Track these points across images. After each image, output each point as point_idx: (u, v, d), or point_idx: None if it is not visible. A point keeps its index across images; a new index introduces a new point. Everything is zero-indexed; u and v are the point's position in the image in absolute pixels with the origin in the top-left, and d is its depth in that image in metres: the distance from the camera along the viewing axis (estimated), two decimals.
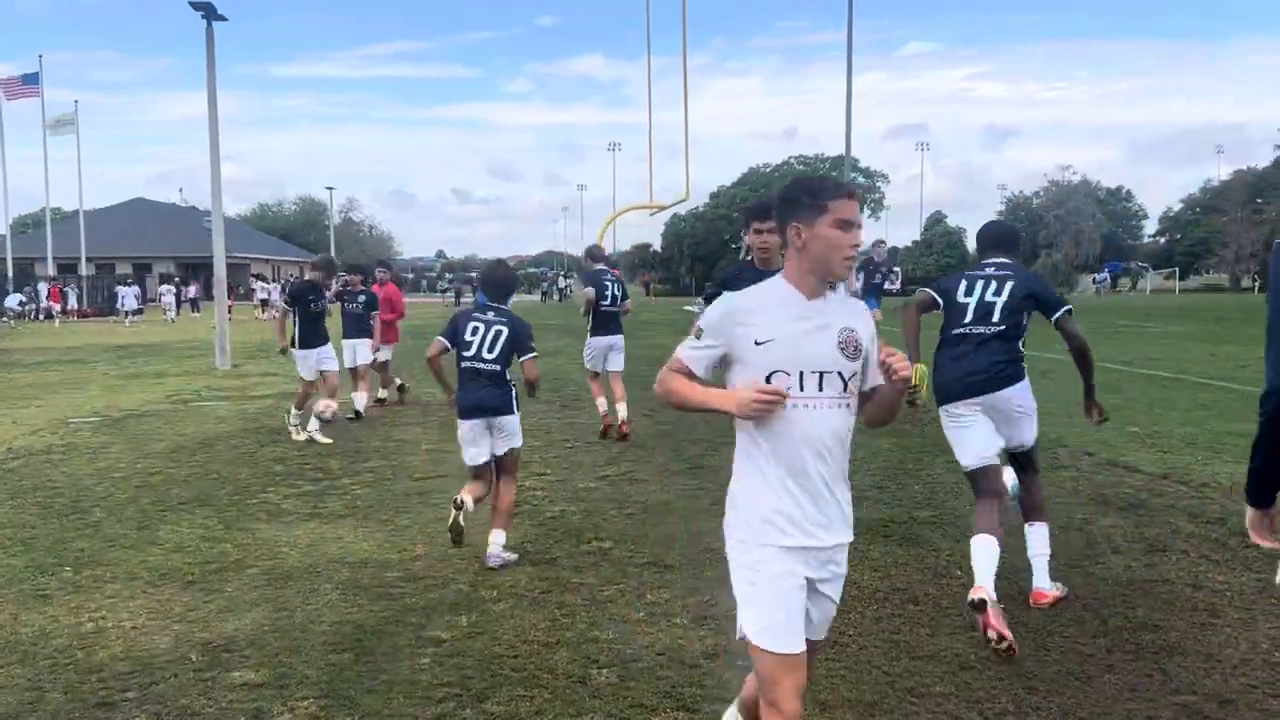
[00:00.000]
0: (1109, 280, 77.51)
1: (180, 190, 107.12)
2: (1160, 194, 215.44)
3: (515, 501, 6.61)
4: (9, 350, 25.89)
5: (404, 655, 4.79)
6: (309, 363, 11.12)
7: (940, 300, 5.26)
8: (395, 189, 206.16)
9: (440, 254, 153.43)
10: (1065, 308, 5.12)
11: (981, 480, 5.08)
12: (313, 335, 11.08)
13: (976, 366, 5.07)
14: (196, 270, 59.59)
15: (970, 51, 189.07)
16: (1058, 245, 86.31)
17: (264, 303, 47.00)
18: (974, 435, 5.10)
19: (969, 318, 5.13)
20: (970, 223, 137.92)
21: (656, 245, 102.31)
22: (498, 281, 6.61)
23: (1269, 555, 5.74)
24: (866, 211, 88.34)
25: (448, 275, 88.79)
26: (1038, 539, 5.25)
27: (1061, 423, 10.94)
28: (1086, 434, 10.27)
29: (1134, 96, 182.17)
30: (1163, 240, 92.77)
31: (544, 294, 72.52)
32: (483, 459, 6.42)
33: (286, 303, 11.54)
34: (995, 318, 5.08)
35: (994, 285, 5.15)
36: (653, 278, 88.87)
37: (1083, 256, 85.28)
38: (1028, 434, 5.20)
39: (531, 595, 5.63)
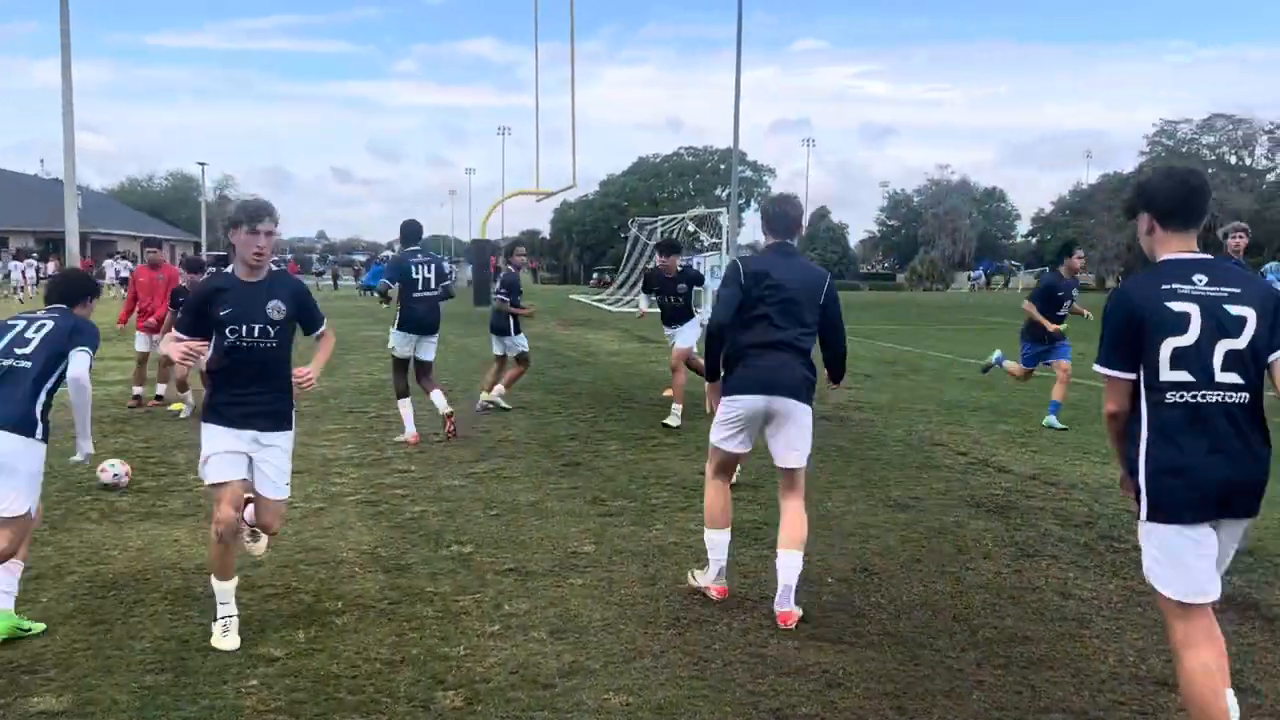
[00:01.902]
0: (983, 277, 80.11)
1: (41, 161, 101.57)
2: (1031, 195, 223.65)
3: None
4: None
5: (230, 676, 4.36)
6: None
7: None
8: (272, 166, 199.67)
9: (321, 234, 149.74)
10: None
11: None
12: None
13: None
14: (56, 246, 56.60)
15: (857, 51, 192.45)
16: (936, 242, 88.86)
17: (122, 280, 44.82)
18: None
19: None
20: (853, 219, 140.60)
21: (545, 232, 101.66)
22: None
23: (1136, 562, 5.74)
24: (754, 205, 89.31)
25: (329, 258, 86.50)
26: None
27: (936, 423, 11.00)
28: (962, 434, 10.33)
29: (1008, 100, 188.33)
30: (1034, 240, 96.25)
31: None
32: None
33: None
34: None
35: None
36: (538, 264, 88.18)
37: (959, 254, 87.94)
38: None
39: (380, 606, 5.23)
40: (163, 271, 12.01)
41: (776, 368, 5.14)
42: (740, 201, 68.21)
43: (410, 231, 10.13)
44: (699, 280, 12.07)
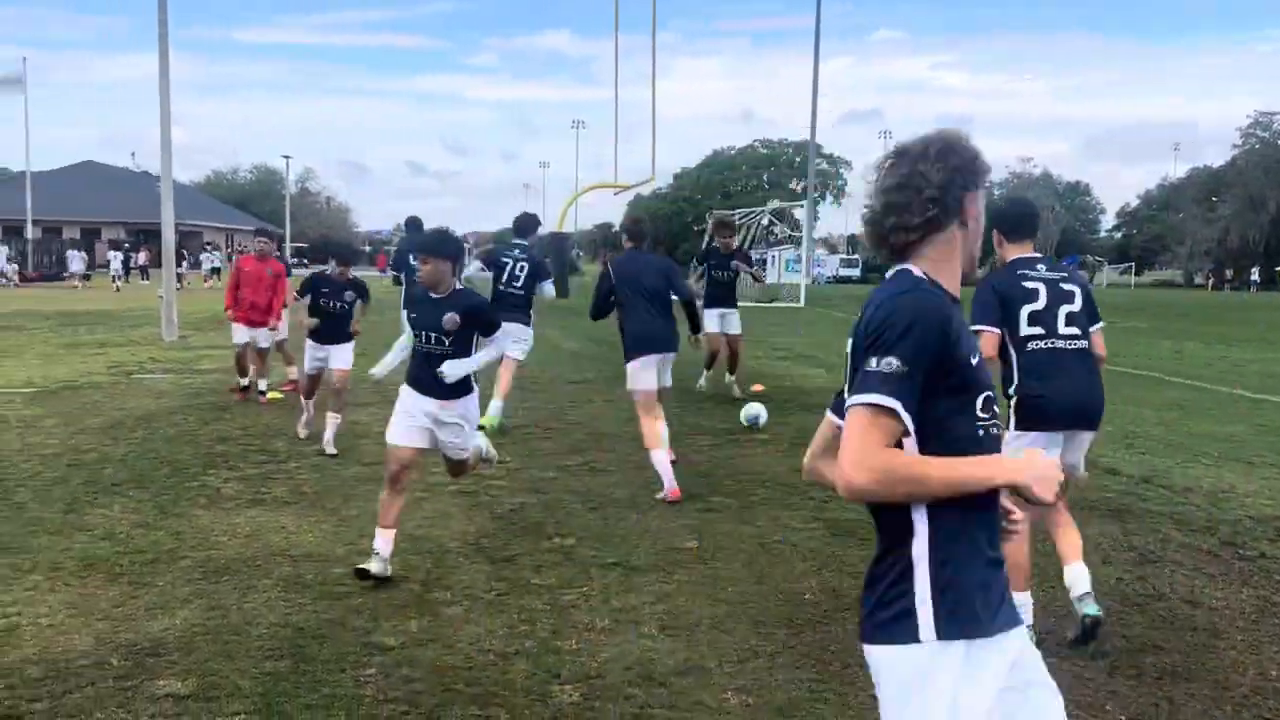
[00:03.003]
0: None
1: (133, 155, 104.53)
2: (1115, 188, 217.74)
3: None
4: None
5: (347, 664, 4.39)
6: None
7: None
8: (348, 160, 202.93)
9: (398, 227, 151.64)
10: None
11: None
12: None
13: None
14: (147, 237, 58.20)
15: (935, 40, 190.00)
16: None
17: (215, 271, 45.94)
18: None
19: None
20: None
21: (618, 225, 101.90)
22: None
23: (1265, 570, 5.50)
24: (829, 198, 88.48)
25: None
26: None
27: None
28: None
29: (1091, 91, 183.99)
30: (1118, 235, 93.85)
31: None
32: None
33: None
34: None
35: None
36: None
37: (1042, 249, 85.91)
38: None
39: (488, 598, 5.23)
40: (270, 265, 11.41)
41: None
42: (816, 194, 67.65)
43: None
44: (749, 261, 12.91)
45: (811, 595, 5.30)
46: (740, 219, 39.84)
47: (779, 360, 16.58)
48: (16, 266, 45.87)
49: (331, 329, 9.01)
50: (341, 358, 9.11)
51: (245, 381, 11.58)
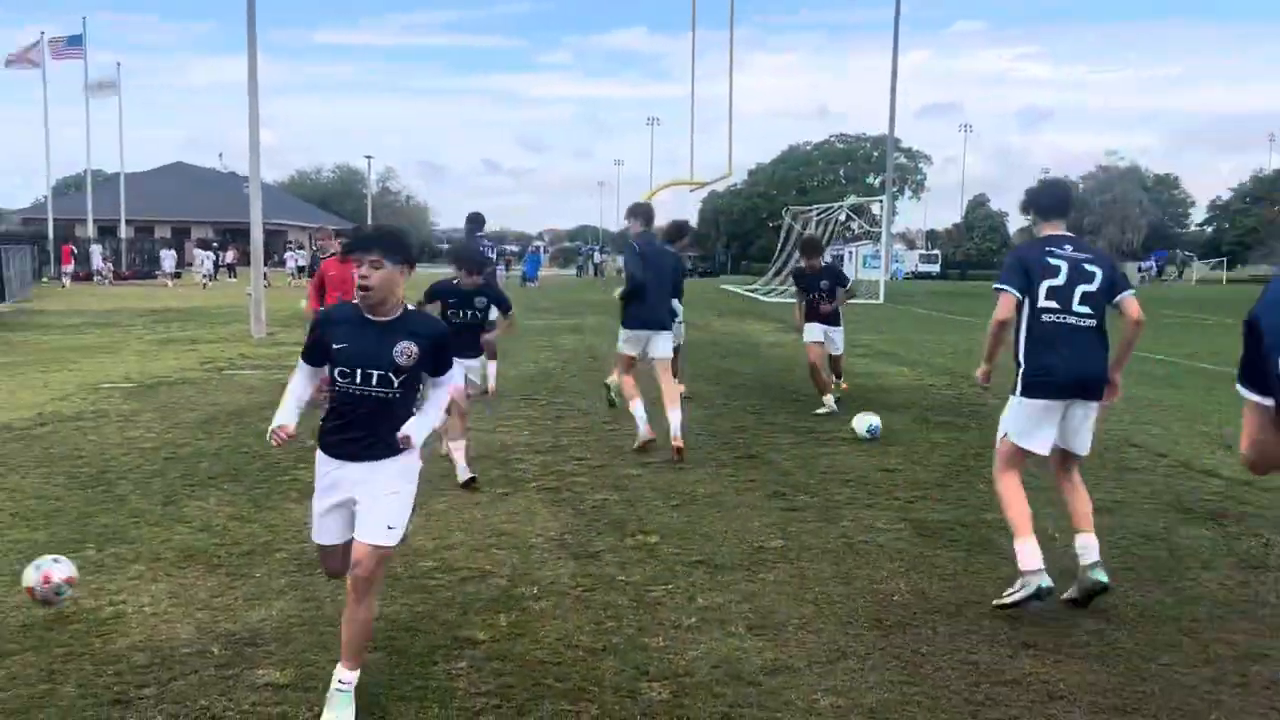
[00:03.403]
0: (1155, 268, 76.09)
1: (220, 155, 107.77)
2: (1205, 181, 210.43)
3: None
4: (44, 312, 25.89)
5: (439, 657, 4.46)
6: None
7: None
8: (426, 159, 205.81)
9: None
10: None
11: None
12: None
13: None
14: (234, 236, 59.70)
15: (1018, 31, 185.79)
16: (1102, 231, 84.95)
17: (300, 269, 46.94)
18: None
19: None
20: (1012, 206, 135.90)
21: (694, 221, 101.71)
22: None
23: None
24: (908, 192, 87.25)
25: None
26: None
27: (1128, 422, 10.46)
28: (1157, 435, 9.80)
29: (1180, 81, 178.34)
30: (1209, 229, 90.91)
31: (579, 269, 72.08)
32: None
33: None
34: None
35: None
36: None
37: (1128, 244, 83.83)
38: None
39: (575, 594, 5.27)
40: (354, 264, 11.62)
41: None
42: (894, 189, 66.68)
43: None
44: (843, 280, 11.68)
45: (900, 597, 5.23)
46: (817, 215, 39.56)
47: (859, 358, 16.40)
48: (111, 265, 47.43)
49: (463, 341, 7.74)
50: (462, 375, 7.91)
51: None
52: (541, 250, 68.32)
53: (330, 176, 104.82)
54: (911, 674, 4.29)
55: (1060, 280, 4.93)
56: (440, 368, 4.14)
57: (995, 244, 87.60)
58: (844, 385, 12.13)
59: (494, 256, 12.96)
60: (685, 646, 4.58)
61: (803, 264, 11.62)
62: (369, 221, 78.87)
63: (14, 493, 7.19)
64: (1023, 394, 5.00)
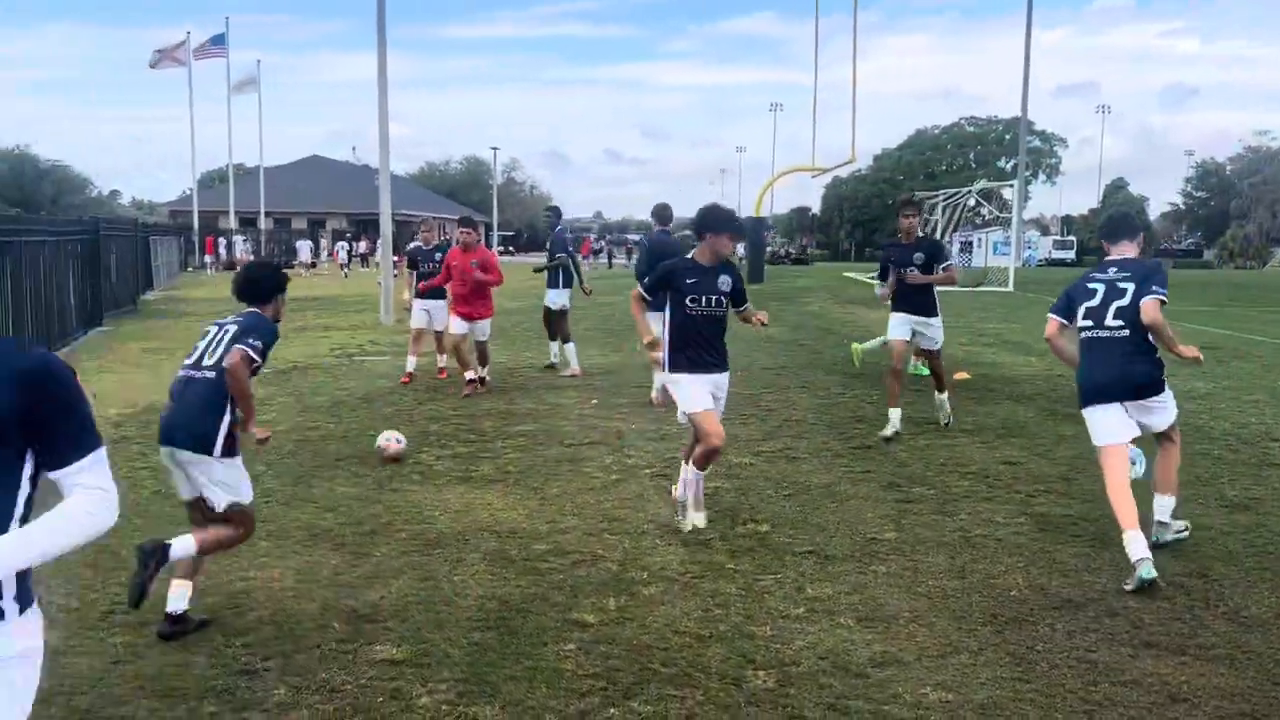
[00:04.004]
0: None
1: (354, 149, 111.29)
2: None
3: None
4: (188, 299, 27.21)
5: (548, 639, 4.54)
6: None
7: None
8: (550, 149, 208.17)
9: (598, 214, 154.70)
10: None
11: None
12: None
13: None
14: (367, 226, 61.59)
15: (1163, 6, 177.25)
16: (1251, 215, 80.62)
17: (361, 258, 47.99)
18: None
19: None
20: (1153, 190, 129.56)
21: (816, 208, 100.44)
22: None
23: None
24: (1042, 176, 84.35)
25: (605, 237, 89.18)
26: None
27: (1270, 415, 9.93)
28: None
29: None
30: None
31: None
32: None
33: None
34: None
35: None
36: (810, 241, 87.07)
37: (1279, 228, 79.34)
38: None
39: (683, 580, 5.30)
40: (476, 255, 11.18)
41: None
42: (1027, 173, 64.62)
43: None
44: (942, 254, 9.13)
45: (1018, 592, 5.10)
46: (944, 200, 38.55)
47: (986, 347, 15.98)
48: (252, 255, 49.57)
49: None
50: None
51: (471, 374, 11.16)
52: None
53: (458, 168, 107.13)
54: (1025, 671, 4.18)
55: (1096, 301, 5.63)
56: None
57: None
58: (960, 375, 11.84)
59: (570, 249, 13.17)
60: (792, 636, 4.56)
61: (899, 233, 9.04)
62: (495, 212, 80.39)
63: (157, 471, 7.58)
64: (1081, 404, 5.80)
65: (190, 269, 45.66)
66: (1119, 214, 6.39)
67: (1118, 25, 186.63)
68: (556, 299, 12.93)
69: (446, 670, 4.22)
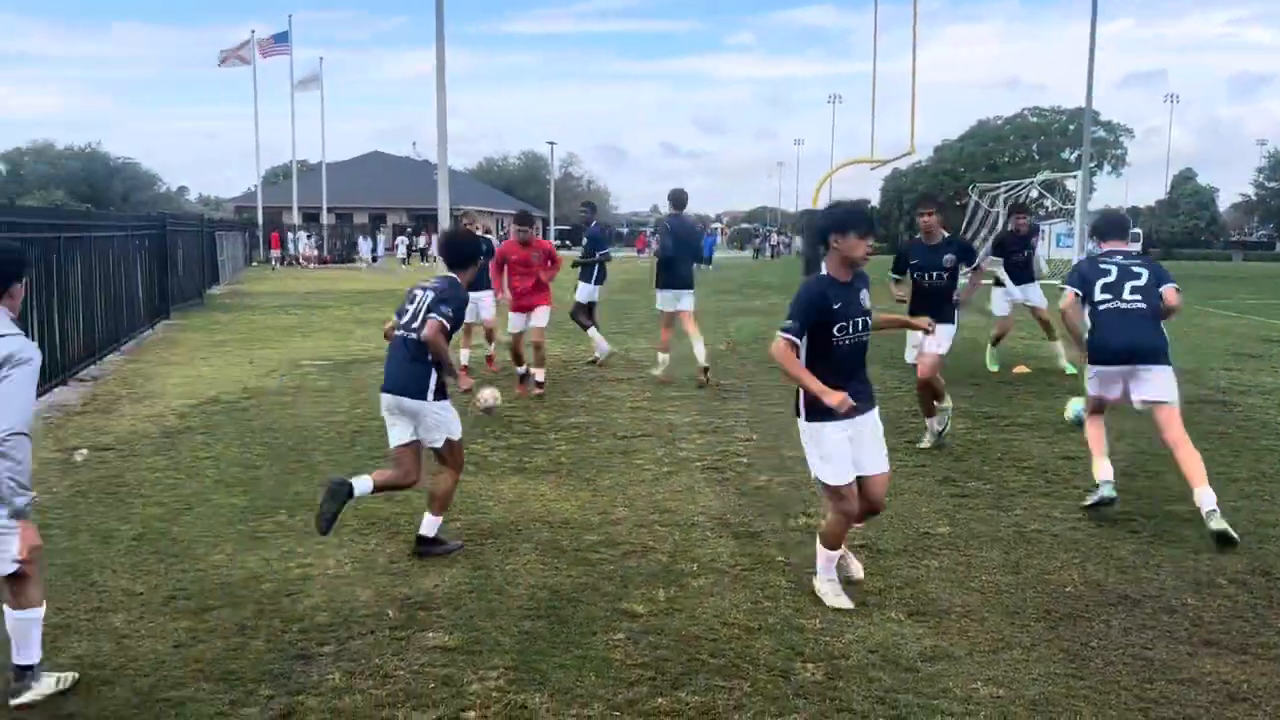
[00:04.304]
0: None
1: (414, 144, 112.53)
2: None
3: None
4: (253, 293, 27.73)
5: (598, 628, 4.58)
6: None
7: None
8: (607, 143, 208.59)
9: (655, 209, 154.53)
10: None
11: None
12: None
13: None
14: (427, 221, 62.24)
15: None
16: None
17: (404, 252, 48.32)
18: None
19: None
20: (1223, 181, 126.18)
21: (875, 201, 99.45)
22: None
23: None
24: (1107, 168, 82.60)
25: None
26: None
27: None
28: None
29: None
30: None
31: (756, 251, 71.66)
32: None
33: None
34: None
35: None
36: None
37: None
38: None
39: (733, 572, 5.30)
40: (534, 248, 11.01)
41: None
42: (1092, 165, 63.30)
43: (677, 198, 11.52)
44: (970, 256, 8.65)
45: (1073, 588, 5.03)
46: (1006, 192, 37.96)
47: (1044, 341, 15.70)
48: (316, 251, 50.34)
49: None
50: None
51: (522, 370, 11.02)
52: (718, 232, 68.18)
53: (516, 163, 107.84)
54: (1079, 668, 4.12)
55: (1112, 278, 6.31)
56: None
57: (1203, 221, 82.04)
58: (1020, 369, 11.70)
59: (608, 247, 13.43)
60: (842, 629, 4.55)
61: (919, 234, 8.41)
62: (552, 206, 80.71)
63: (218, 461, 7.78)
64: (1089, 363, 6.38)
65: (255, 263, 46.50)
66: (1115, 216, 7.16)
67: (1184, 13, 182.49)
68: (587, 294, 13.12)
69: (497, 658, 4.28)
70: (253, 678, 4.10)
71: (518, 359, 11.08)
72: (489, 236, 13.16)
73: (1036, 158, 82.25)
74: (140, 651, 4.34)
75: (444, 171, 21.76)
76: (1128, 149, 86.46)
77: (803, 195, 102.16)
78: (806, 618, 4.68)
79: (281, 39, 49.66)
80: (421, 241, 54.20)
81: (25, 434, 3.68)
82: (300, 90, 52.32)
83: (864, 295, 4.91)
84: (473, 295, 12.04)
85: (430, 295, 5.65)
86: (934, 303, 7.97)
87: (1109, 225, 6.87)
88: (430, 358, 5.58)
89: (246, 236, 46.13)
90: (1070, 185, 50.14)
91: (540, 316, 10.97)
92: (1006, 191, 38.25)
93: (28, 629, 3.94)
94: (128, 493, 6.85)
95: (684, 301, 11.36)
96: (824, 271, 4.88)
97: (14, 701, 3.89)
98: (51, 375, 10.86)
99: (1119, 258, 6.45)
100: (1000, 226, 34.61)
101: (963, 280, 8.56)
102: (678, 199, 11.63)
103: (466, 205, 68.44)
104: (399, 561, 5.50)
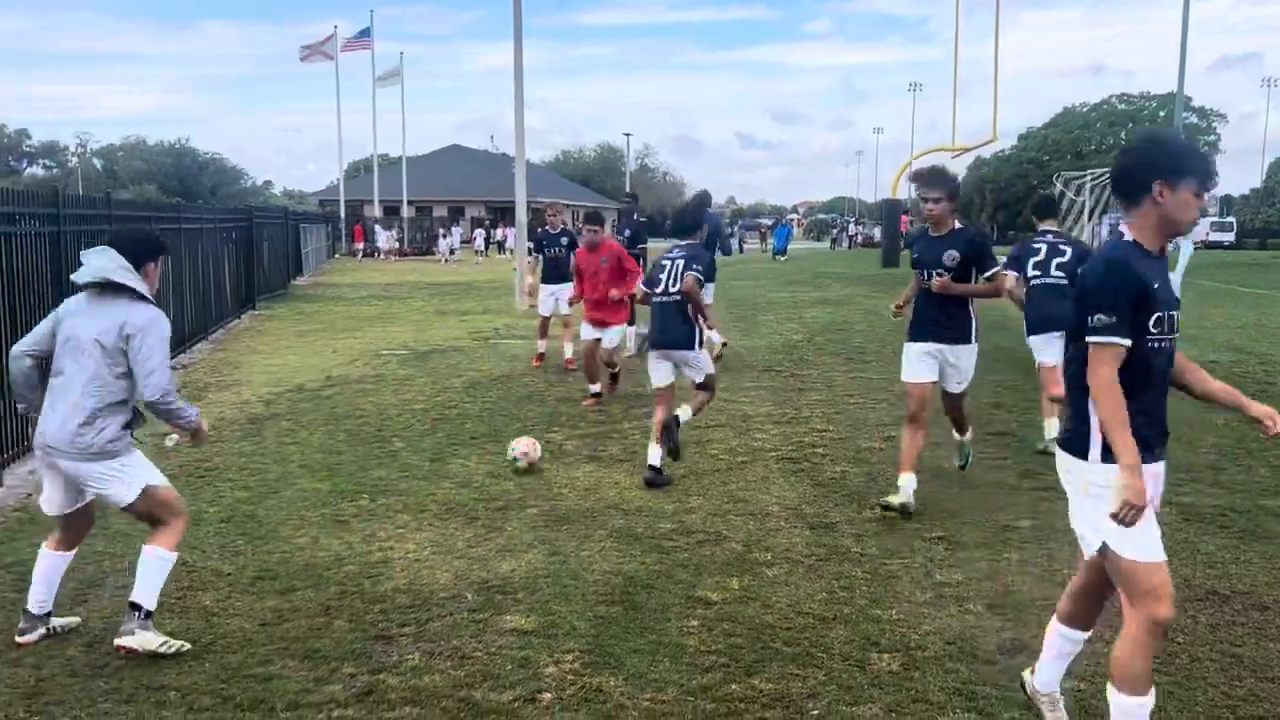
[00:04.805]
0: None
1: (491, 137, 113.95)
2: None
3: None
4: (336, 285, 28.31)
5: (672, 615, 4.60)
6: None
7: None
8: (682, 134, 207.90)
9: (731, 199, 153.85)
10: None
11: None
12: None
13: None
14: (504, 214, 62.84)
15: None
16: None
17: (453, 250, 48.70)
18: None
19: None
20: None
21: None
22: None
23: None
24: None
25: (737, 222, 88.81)
26: None
27: None
28: None
29: None
30: None
31: (833, 241, 70.91)
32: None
33: None
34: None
35: None
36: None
37: None
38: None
39: (808, 562, 5.29)
40: (604, 251, 9.75)
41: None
42: None
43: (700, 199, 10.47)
44: (985, 253, 6.62)
45: None
46: (1092, 180, 37.05)
47: None
48: (396, 243, 51.18)
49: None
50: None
51: (595, 388, 9.88)
52: (794, 223, 67.61)
53: (592, 155, 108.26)
54: (1164, 663, 4.03)
55: (1041, 257, 7.37)
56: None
57: None
58: None
59: (645, 242, 13.17)
60: (919, 620, 4.51)
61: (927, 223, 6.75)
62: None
63: (303, 447, 7.98)
64: (1028, 333, 7.51)
65: (337, 255, 47.45)
66: (1046, 198, 8.23)
67: None
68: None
69: (572, 641, 4.33)
70: (336, 656, 4.21)
71: (590, 375, 9.93)
72: (568, 228, 13.14)
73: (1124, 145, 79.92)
74: (228, 629, 4.48)
75: (521, 164, 21.94)
76: (1221, 135, 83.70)
77: (881, 184, 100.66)
78: (882, 608, 4.65)
79: (363, 34, 50.49)
80: (499, 234, 54.76)
81: (173, 391, 4.27)
82: (381, 85, 53.14)
83: (1174, 281, 3.70)
84: (553, 288, 12.23)
85: (681, 260, 6.89)
86: (940, 315, 6.28)
87: (1043, 207, 7.90)
88: (690, 309, 6.88)
89: (329, 229, 47.09)
90: None
91: (610, 336, 9.80)
92: (1093, 180, 37.32)
93: (151, 569, 4.28)
94: (215, 476, 7.07)
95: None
96: (1127, 239, 3.31)
97: (117, 641, 4.18)
98: None
99: (1050, 237, 7.47)
100: (1089, 217, 33.82)
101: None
102: (704, 198, 11.91)
103: (545, 198, 69.04)
104: (476, 546, 5.59)
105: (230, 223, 18.83)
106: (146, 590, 4.26)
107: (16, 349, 4.42)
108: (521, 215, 21.93)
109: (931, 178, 6.22)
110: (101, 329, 4.20)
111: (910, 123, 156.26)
